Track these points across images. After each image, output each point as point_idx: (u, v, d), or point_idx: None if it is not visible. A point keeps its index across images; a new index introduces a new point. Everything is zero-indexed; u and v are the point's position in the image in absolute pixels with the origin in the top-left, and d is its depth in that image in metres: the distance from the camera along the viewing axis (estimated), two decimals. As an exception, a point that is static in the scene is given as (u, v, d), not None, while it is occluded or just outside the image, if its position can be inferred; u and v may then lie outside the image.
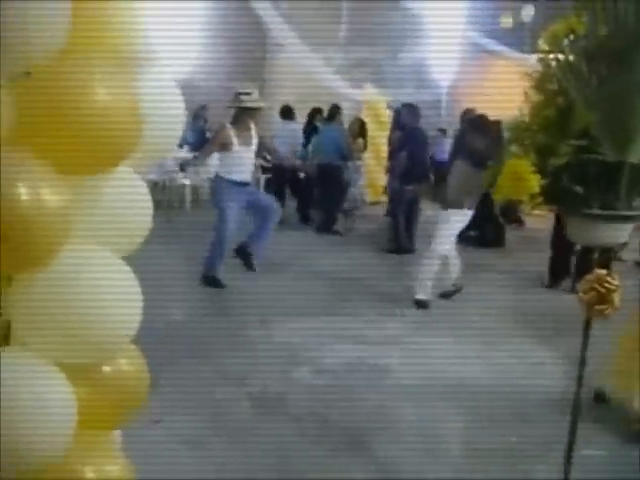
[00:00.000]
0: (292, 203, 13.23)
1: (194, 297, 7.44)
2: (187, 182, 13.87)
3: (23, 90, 1.79)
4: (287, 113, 13.84)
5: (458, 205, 7.37)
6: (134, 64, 1.97)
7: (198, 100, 18.58)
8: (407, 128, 10.44)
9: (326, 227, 11.86)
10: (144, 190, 2.05)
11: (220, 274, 7.86)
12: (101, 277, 1.86)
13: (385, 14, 19.14)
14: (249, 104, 7.75)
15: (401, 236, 10.49)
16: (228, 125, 7.75)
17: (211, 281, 7.93)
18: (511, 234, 11.66)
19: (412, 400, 5.15)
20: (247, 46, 19.27)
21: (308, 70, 16.90)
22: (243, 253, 7.98)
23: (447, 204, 7.49)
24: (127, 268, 1.95)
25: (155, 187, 13.77)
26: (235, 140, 7.70)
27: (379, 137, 14.05)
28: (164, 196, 13.54)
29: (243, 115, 7.75)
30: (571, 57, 2.84)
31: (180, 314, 6.71)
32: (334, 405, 5.01)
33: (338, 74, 17.58)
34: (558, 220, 7.90)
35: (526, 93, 2.92)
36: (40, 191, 1.73)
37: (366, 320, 6.95)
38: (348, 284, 8.30)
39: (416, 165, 10.09)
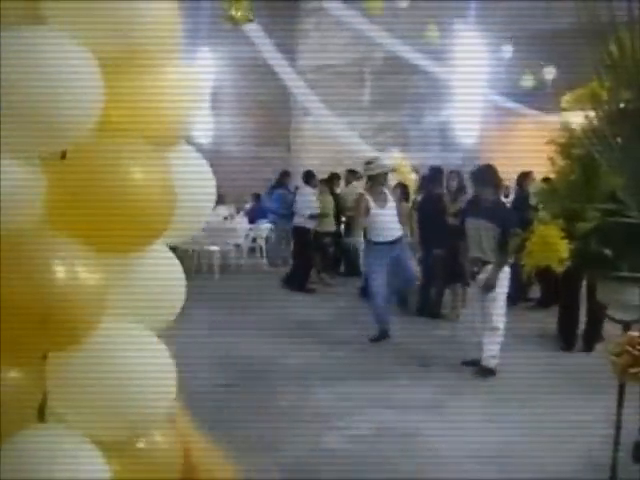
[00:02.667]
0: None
1: (222, 364, 7.43)
2: (215, 249, 13.97)
3: (57, 170, 1.83)
4: (309, 178, 14.03)
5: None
6: (168, 141, 2.01)
7: (228, 168, 18.76)
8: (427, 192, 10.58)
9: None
10: (177, 267, 2.08)
11: (390, 325, 8.83)
12: (135, 354, 1.88)
13: (408, 78, 19.35)
14: (377, 170, 8.72)
15: (430, 300, 10.47)
16: (364, 192, 8.78)
17: (384, 334, 8.76)
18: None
19: (447, 468, 5.09)
20: (273, 113, 19.54)
21: (332, 134, 17.08)
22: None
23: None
24: (161, 344, 1.97)
25: (185, 254, 13.90)
26: (372, 204, 8.45)
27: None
28: (192, 263, 13.64)
29: (375, 181, 8.68)
30: (595, 121, 2.86)
31: (209, 380, 6.71)
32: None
33: (362, 138, 17.76)
34: (565, 282, 7.86)
35: (552, 158, 2.94)
36: (76, 270, 1.75)
37: (398, 384, 6.90)
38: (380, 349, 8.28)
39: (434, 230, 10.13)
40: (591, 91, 2.80)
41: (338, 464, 5.12)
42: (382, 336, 8.73)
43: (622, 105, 2.77)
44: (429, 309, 10.31)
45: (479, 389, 6.72)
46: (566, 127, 2.90)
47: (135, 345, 1.90)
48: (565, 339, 8.59)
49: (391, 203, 8.73)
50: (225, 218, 16.02)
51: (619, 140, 2.78)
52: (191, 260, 13.81)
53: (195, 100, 2.06)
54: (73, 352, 1.84)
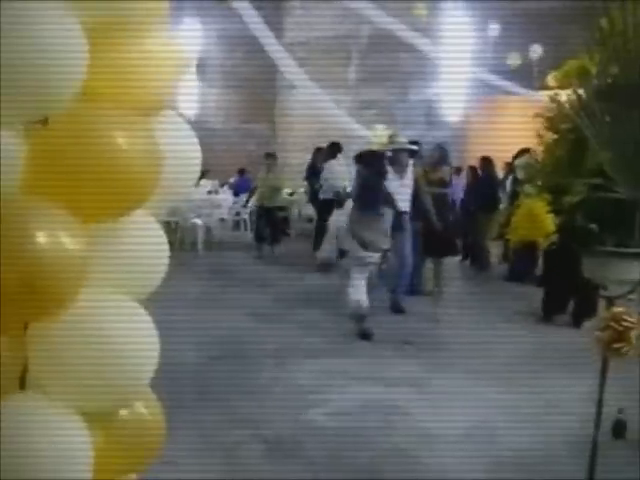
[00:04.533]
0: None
1: (206, 340, 7.41)
2: (199, 222, 13.90)
3: (40, 137, 1.80)
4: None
5: None
6: (152, 109, 1.99)
7: (215, 142, 18.72)
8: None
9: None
10: (160, 234, 2.06)
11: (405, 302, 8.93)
12: (118, 322, 1.86)
13: (394, 56, 19.29)
14: (405, 146, 8.86)
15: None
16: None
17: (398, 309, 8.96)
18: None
19: (428, 442, 5.10)
20: (259, 88, 19.46)
21: (318, 110, 17.04)
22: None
23: None
24: (144, 312, 1.95)
25: (167, 227, 13.85)
26: (392, 176, 8.75)
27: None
28: (176, 237, 13.62)
29: (399, 154, 8.76)
30: (583, 96, 2.85)
31: (192, 357, 6.69)
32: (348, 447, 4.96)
33: (348, 115, 17.71)
34: (548, 258, 7.91)
35: (539, 133, 2.93)
36: (57, 238, 1.73)
37: (382, 362, 6.91)
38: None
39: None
40: (580, 66, 2.79)
41: (320, 439, 5.12)
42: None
43: (610, 81, 2.76)
44: (412, 287, 10.29)
45: (463, 367, 6.74)
46: (554, 100, 2.88)
47: (118, 314, 1.88)
48: (545, 311, 8.72)
49: (408, 176, 8.95)
50: (209, 192, 15.96)
51: (607, 115, 2.77)
52: (174, 234, 13.78)
53: (179, 69, 2.03)
54: (55, 320, 1.83)
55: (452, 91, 19.54)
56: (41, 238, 1.71)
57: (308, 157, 14.88)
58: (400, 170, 8.88)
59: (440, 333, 8.14)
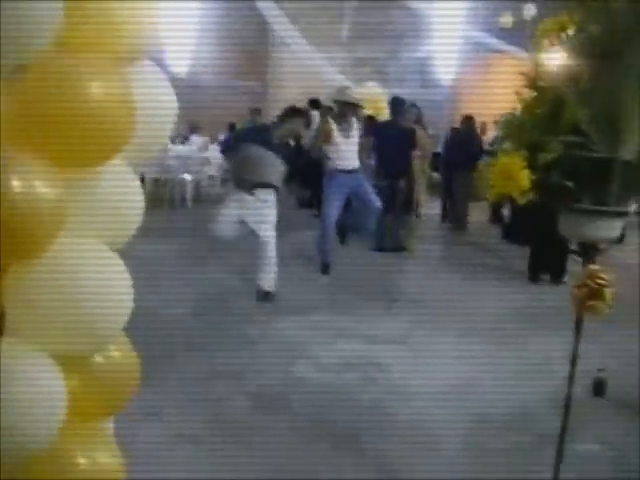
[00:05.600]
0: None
1: (193, 293, 7.46)
2: (188, 178, 13.90)
3: (16, 85, 1.82)
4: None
5: None
6: (128, 59, 2.00)
7: (205, 99, 18.68)
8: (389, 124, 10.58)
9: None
10: (136, 184, 2.09)
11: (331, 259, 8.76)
12: (93, 269, 1.90)
13: (387, 13, 19.18)
14: (344, 98, 8.65)
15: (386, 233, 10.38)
16: (329, 119, 8.55)
17: (326, 268, 8.72)
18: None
19: (410, 399, 5.17)
20: (250, 45, 19.34)
21: (310, 67, 16.97)
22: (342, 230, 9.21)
23: None
24: (118, 260, 1.99)
25: (156, 183, 13.86)
26: (336, 133, 8.59)
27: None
28: (165, 192, 13.64)
29: (343, 110, 8.57)
30: (563, 54, 2.86)
31: (179, 310, 6.75)
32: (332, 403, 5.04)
33: (341, 73, 17.63)
34: (531, 215, 7.96)
35: (517, 91, 2.95)
36: (33, 183, 1.76)
37: (367, 318, 6.98)
38: (346, 281, 8.36)
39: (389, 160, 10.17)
40: (560, 24, 2.81)
41: (305, 392, 5.19)
42: (324, 270, 8.60)
43: (589, 38, 2.78)
44: (392, 243, 10.29)
45: (447, 324, 6.81)
46: (534, 60, 2.90)
47: (92, 260, 1.92)
48: (531, 270, 8.79)
49: (354, 133, 8.66)
50: (198, 149, 15.91)
51: (585, 73, 2.79)
52: (164, 189, 13.81)
53: (154, 17, 2.04)
54: (31, 265, 1.86)
55: (445, 50, 19.43)
56: (17, 184, 1.74)
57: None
58: (346, 127, 8.69)
59: (425, 291, 8.20)
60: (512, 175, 2.65)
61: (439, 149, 14.41)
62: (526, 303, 7.74)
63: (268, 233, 7.35)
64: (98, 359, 2.02)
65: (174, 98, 2.16)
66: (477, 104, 15.11)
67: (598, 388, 5.28)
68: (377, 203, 8.91)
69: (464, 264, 9.90)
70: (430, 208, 13.01)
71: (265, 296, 7.40)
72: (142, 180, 13.42)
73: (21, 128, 1.81)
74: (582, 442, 4.36)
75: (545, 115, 2.84)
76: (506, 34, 16.71)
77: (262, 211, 7.36)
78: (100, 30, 1.88)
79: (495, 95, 11.32)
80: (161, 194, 13.80)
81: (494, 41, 16.39)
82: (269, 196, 7.43)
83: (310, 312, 6.99)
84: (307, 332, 6.44)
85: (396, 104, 10.74)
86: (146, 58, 2.11)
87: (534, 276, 8.93)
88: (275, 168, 7.43)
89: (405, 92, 13.60)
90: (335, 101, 9.05)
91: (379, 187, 9.63)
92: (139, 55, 2.06)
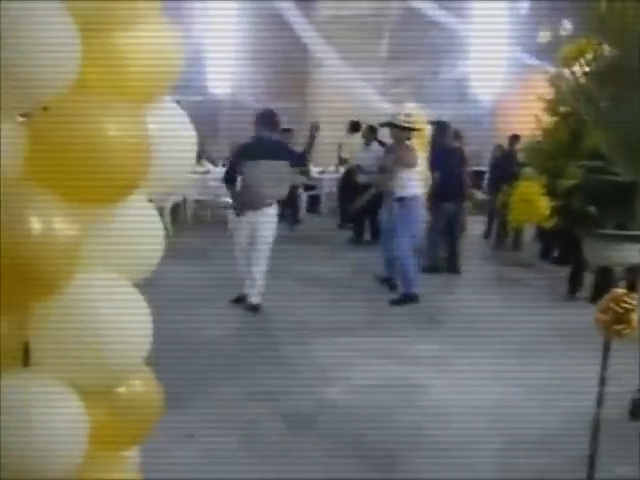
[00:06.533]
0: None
1: (228, 315, 7.51)
2: (229, 200, 13.98)
3: (36, 124, 1.89)
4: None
5: None
6: (146, 97, 2.06)
7: (248, 120, 18.70)
8: (438, 147, 10.48)
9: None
10: (155, 217, 2.14)
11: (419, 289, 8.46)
12: (111, 303, 1.95)
13: (426, 31, 19.17)
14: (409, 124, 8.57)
15: (438, 255, 10.41)
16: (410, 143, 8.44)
17: (413, 298, 8.41)
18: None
19: (444, 419, 5.15)
20: (291, 65, 19.45)
21: (348, 88, 17.03)
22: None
23: None
24: (137, 294, 2.03)
25: (198, 205, 13.99)
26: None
27: (421, 157, 13.97)
28: (206, 214, 13.77)
29: (402, 134, 8.44)
30: (581, 79, 2.86)
31: (214, 332, 6.78)
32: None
33: (379, 91, 17.65)
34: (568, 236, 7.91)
35: (537, 116, 2.96)
36: (51, 221, 1.82)
37: (404, 339, 6.96)
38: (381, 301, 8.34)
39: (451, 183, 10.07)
40: (579, 48, 2.81)
41: (338, 415, 5.20)
42: (410, 299, 8.48)
43: (608, 63, 2.77)
44: (448, 264, 10.28)
45: (483, 343, 6.77)
46: (553, 83, 2.90)
47: (111, 295, 1.97)
48: (570, 288, 8.73)
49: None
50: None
51: (605, 98, 2.79)
52: (205, 211, 13.94)
53: (174, 57, 2.10)
54: (53, 301, 1.92)
55: (483, 69, 19.37)
56: (35, 223, 1.80)
57: (340, 134, 14.95)
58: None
59: (462, 311, 8.17)
60: (531, 201, 2.65)
61: (484, 167, 14.40)
62: (563, 321, 7.67)
63: (266, 246, 7.63)
64: (120, 391, 2.06)
65: (194, 133, 2.21)
66: (515, 124, 15.02)
67: (635, 409, 5.19)
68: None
69: (505, 283, 9.85)
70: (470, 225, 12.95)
71: (253, 309, 7.63)
72: (184, 201, 13.59)
73: (39, 168, 1.87)
74: (619, 465, 4.30)
75: (566, 140, 2.84)
76: (543, 51, 16.63)
77: (269, 225, 7.63)
78: (117, 72, 1.94)
79: (533, 112, 11.12)
80: (202, 216, 13.93)
81: (532, 58, 16.31)
82: (273, 210, 7.66)
83: (346, 333, 7.00)
84: (342, 353, 6.45)
85: (441, 127, 10.71)
86: (167, 94, 2.16)
87: (573, 294, 8.86)
88: (283, 181, 7.58)
89: (444, 112, 13.56)
90: (390, 125, 8.87)
91: (435, 210, 9.69)
92: (159, 93, 2.11)
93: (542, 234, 12.68)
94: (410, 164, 8.42)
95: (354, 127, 13.85)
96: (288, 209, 13.29)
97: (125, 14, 1.92)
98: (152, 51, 2.00)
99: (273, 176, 7.54)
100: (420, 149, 13.28)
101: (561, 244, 10.81)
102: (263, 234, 7.53)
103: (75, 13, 1.83)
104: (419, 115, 11.70)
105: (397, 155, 8.51)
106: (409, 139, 8.61)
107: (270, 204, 7.63)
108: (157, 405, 2.18)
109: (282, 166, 7.73)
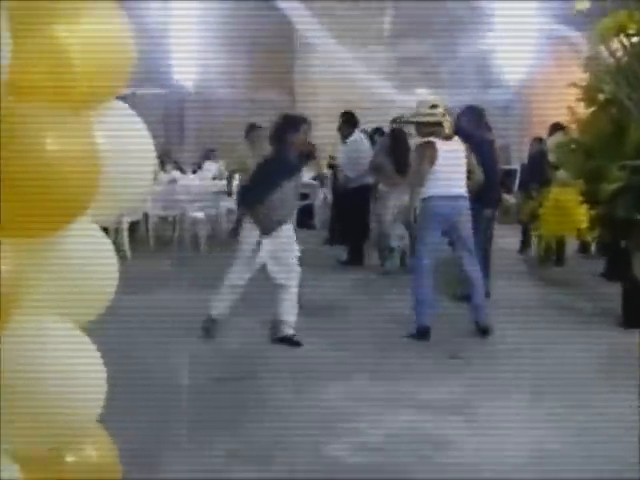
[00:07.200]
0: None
1: (210, 356, 7.50)
2: (201, 216, 13.95)
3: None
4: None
5: None
6: (92, 102, 2.07)
7: (220, 115, 18.74)
8: (469, 138, 10.34)
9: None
10: (107, 245, 2.15)
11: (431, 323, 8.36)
12: (55, 353, 1.96)
13: (437, 2, 19.23)
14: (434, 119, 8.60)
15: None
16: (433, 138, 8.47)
17: (425, 332, 8.31)
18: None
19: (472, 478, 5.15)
20: (273, 47, 19.48)
21: (346, 73, 17.07)
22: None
23: None
24: (86, 339, 2.05)
25: (162, 222, 13.99)
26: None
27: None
28: (174, 234, 13.76)
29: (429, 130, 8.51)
30: (624, 59, 2.89)
31: (193, 378, 6.77)
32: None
33: (383, 75, 17.72)
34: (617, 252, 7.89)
35: (570, 107, 2.98)
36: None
37: (421, 382, 6.95)
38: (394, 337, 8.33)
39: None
40: (617, 23, 2.82)
41: (344, 478, 5.19)
42: (422, 334, 8.44)
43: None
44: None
45: (517, 383, 6.76)
46: (590, 65, 2.91)
47: (57, 343, 1.98)
48: (625, 314, 8.66)
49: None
50: (214, 178, 15.86)
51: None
52: (171, 230, 13.95)
53: (126, 50, 2.12)
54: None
55: (510, 45, 19.42)
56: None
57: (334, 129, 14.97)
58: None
59: (492, 341, 8.16)
60: (566, 212, 2.68)
61: (514, 165, 14.34)
62: (615, 353, 7.67)
63: (293, 275, 7.82)
64: (68, 459, 2.08)
65: (150, 141, 2.23)
66: (553, 110, 15.10)
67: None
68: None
69: (544, 306, 9.83)
70: (499, 237, 12.91)
71: (289, 341, 7.81)
72: (145, 219, 13.59)
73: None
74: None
75: (606, 135, 2.87)
76: (582, 23, 16.68)
77: (291, 248, 7.86)
78: (57, 72, 1.94)
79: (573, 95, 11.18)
80: (168, 235, 13.94)
81: (571, 32, 16.35)
82: (291, 232, 7.93)
83: (350, 376, 7.00)
84: (349, 398, 6.44)
85: (474, 114, 10.63)
86: (117, 94, 2.18)
87: (628, 321, 8.82)
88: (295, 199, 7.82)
89: (463, 98, 13.59)
90: (415, 122, 8.96)
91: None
92: (108, 95, 2.13)
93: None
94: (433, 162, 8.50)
95: (348, 121, 13.81)
96: None
97: (65, 3, 1.93)
98: (98, 44, 2.02)
99: (292, 193, 7.94)
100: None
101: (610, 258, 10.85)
102: (290, 254, 7.85)
103: (5, 3, 1.84)
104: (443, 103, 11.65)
105: (423, 152, 8.63)
106: (433, 134, 8.66)
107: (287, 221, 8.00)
108: (113, 474, 2.19)
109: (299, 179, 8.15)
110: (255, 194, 8.08)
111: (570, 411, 6.19)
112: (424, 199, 8.56)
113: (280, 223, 7.80)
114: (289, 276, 7.85)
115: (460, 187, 8.65)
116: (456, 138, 8.71)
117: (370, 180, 12.52)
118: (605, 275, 11.51)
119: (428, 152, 8.56)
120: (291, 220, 8.04)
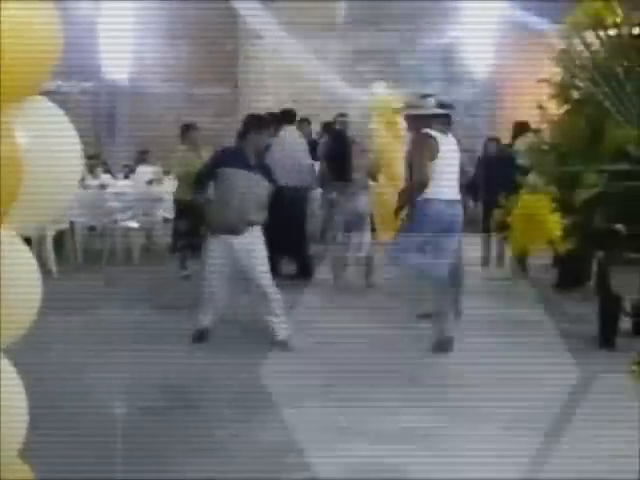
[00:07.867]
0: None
1: (147, 383, 7.47)
2: (134, 225, 13.88)
3: None
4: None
5: None
6: (12, 96, 2.06)
7: (156, 112, 18.68)
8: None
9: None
10: (27, 256, 2.14)
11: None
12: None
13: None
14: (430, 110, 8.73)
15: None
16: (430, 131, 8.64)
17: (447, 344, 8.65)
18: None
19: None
20: (214, 41, 19.47)
21: (294, 66, 17.10)
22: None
23: None
24: (8, 366, 2.03)
25: (90, 233, 13.90)
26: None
27: (394, 152, 13.97)
28: (103, 245, 13.68)
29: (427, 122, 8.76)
30: (600, 54, 2.91)
31: (124, 409, 6.74)
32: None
33: (336, 68, 17.77)
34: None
35: (541, 106, 2.99)
36: None
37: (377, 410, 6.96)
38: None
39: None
40: (592, 12, 2.84)
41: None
42: (444, 346, 8.51)
43: (636, 31, 2.83)
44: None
45: (488, 413, 6.78)
46: (563, 59, 2.93)
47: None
48: (602, 334, 8.68)
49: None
50: (149, 182, 15.75)
51: (633, 78, 2.83)
52: (101, 240, 13.86)
53: (49, 39, 2.11)
54: None
55: (477, 36, 19.57)
56: None
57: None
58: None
59: (459, 367, 8.21)
60: (537, 221, 2.69)
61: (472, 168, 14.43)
62: (594, 378, 7.72)
63: (267, 278, 8.20)
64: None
65: (77, 140, 2.22)
66: (522, 105, 15.24)
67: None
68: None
69: (513, 324, 9.91)
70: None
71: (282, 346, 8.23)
72: (72, 229, 13.50)
73: None
74: None
75: (581, 136, 2.89)
76: (555, 13, 16.84)
77: (255, 253, 8.14)
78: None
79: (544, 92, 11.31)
80: (98, 248, 13.87)
81: (542, 23, 16.51)
82: (258, 232, 8.26)
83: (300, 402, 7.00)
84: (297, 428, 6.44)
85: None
86: (39, 90, 2.17)
87: (607, 341, 8.87)
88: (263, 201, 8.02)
89: (425, 90, 13.65)
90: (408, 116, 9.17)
91: None
92: (29, 90, 2.12)
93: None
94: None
95: (288, 118, 13.76)
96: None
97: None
98: (20, 31, 2.01)
99: (253, 193, 8.13)
100: (395, 142, 13.42)
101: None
102: (255, 263, 8.14)
103: None
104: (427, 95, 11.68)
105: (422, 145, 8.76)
106: (428, 126, 8.78)
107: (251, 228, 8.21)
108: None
109: (260, 181, 8.27)
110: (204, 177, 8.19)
111: (543, 444, 6.24)
112: (420, 201, 8.63)
113: (238, 228, 8.09)
114: (264, 286, 8.16)
115: (456, 190, 8.78)
116: (450, 135, 8.85)
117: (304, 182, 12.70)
118: (559, 285, 11.66)
119: (427, 145, 8.66)
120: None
